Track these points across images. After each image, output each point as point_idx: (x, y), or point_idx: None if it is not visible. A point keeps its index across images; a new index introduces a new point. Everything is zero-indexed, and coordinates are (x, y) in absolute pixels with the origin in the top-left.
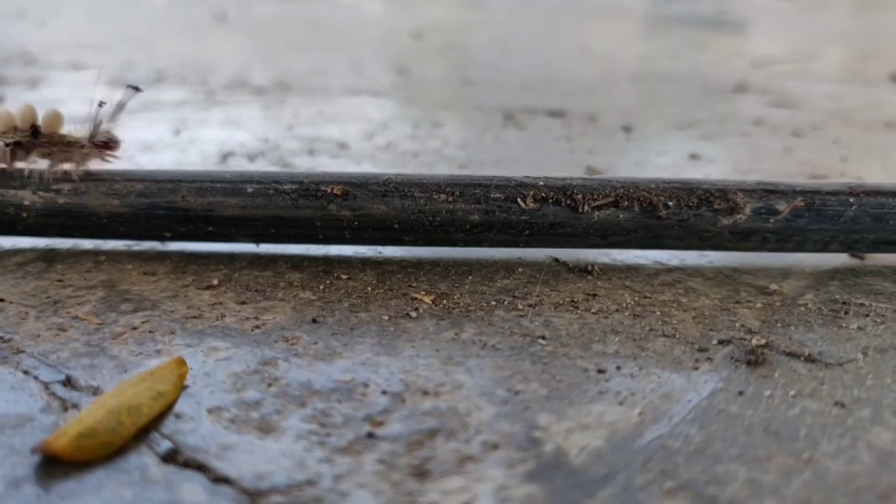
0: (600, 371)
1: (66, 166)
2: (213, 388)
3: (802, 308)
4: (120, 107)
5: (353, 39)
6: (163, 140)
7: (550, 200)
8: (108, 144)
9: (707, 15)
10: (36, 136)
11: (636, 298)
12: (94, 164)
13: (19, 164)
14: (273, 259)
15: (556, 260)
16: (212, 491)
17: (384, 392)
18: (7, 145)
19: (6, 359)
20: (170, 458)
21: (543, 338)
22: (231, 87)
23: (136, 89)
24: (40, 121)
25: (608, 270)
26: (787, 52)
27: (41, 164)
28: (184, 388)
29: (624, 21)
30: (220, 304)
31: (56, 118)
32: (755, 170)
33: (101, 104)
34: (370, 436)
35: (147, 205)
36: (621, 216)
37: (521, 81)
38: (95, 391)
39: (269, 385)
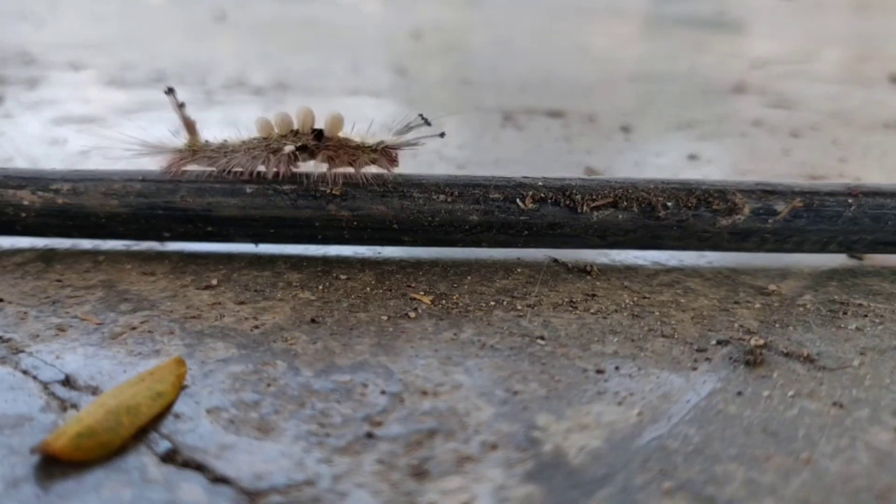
0: (599, 371)
1: (348, 169)
2: (212, 388)
3: (801, 308)
4: (407, 128)
5: (351, 40)
6: (162, 140)
7: (549, 201)
8: (393, 155)
9: (706, 15)
10: (319, 139)
11: (635, 299)
12: (374, 170)
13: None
14: (272, 259)
15: (555, 260)
16: (211, 491)
17: (383, 392)
18: (297, 148)
19: (5, 358)
20: (169, 458)
21: (542, 338)
22: (230, 87)
23: (427, 122)
24: (322, 124)
25: (607, 271)
26: (786, 53)
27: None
28: (183, 388)
29: (623, 22)
30: (219, 304)
31: (339, 121)
32: (754, 170)
33: (422, 116)
34: (369, 436)
35: (146, 205)
36: (620, 216)
37: (520, 82)
38: (94, 391)
39: (268, 385)
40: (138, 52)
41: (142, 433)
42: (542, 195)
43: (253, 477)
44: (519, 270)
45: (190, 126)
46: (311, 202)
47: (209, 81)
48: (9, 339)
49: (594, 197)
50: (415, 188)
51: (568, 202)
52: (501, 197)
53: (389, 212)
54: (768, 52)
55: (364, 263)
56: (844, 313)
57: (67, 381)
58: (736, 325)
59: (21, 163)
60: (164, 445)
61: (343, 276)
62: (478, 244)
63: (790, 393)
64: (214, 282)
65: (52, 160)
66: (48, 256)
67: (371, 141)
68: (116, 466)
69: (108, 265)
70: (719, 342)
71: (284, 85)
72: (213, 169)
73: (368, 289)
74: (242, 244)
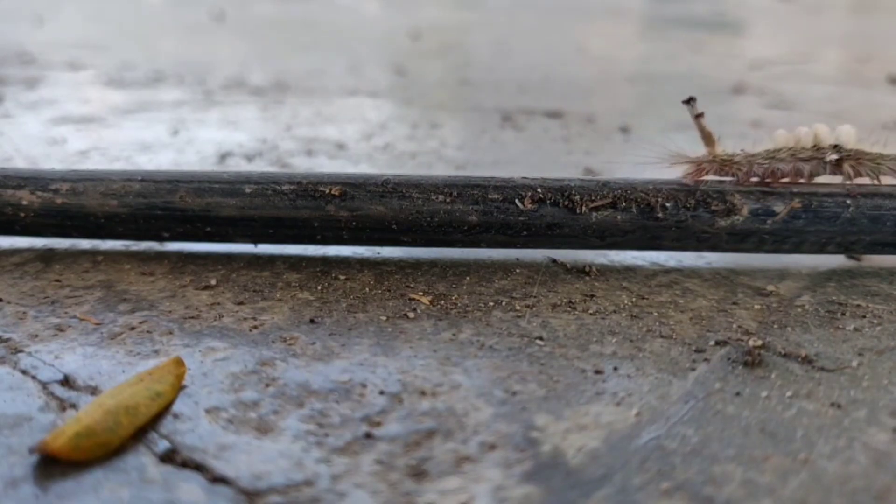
0: (598, 372)
1: (861, 180)
2: (211, 388)
3: (799, 309)
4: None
5: (351, 40)
6: (161, 140)
7: (548, 201)
8: None
9: (704, 16)
10: (841, 151)
11: (633, 299)
12: (887, 180)
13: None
14: (271, 259)
15: (554, 261)
16: (209, 491)
17: (382, 392)
18: (839, 158)
19: (4, 358)
20: (168, 458)
21: (541, 338)
22: (229, 88)
23: None
24: (839, 136)
25: (606, 271)
26: (785, 54)
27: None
28: (182, 388)
29: (622, 22)
30: (218, 304)
31: (852, 134)
32: None
33: None
34: (368, 436)
35: (145, 205)
36: (619, 217)
37: (519, 82)
38: (93, 391)
39: (267, 385)
40: (137, 52)
41: (141, 433)
42: (541, 196)
43: (252, 477)
44: (518, 271)
45: (709, 137)
46: (310, 202)
47: (208, 81)
48: (8, 339)
49: (593, 197)
50: (414, 188)
51: (567, 203)
52: (500, 197)
53: (388, 212)
54: (767, 53)
55: (363, 264)
56: (843, 314)
57: (66, 381)
58: (734, 325)
59: (20, 163)
60: (162, 445)
61: (342, 277)
62: (477, 245)
63: (788, 393)
64: (213, 282)
65: (51, 160)
66: (47, 256)
67: (888, 152)
68: (115, 466)
69: (106, 265)
70: (718, 343)
71: (283, 85)
72: (733, 178)
73: (367, 289)
74: (241, 244)
